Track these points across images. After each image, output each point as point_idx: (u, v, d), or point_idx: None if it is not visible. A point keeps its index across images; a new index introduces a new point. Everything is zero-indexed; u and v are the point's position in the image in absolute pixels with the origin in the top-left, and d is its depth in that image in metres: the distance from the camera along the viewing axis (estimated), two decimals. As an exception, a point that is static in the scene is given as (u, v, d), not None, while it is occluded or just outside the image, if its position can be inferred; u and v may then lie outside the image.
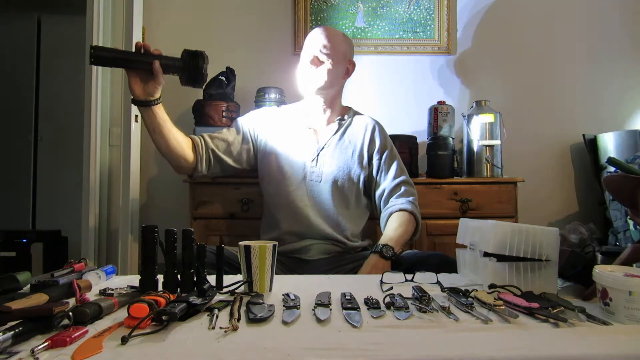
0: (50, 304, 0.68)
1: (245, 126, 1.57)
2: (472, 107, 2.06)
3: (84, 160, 2.03)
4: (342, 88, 1.59)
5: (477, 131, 1.98)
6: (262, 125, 1.57)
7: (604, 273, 0.75)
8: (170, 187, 2.20)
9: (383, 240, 1.39)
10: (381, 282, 0.98)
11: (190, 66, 1.24)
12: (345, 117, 1.57)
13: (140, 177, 2.10)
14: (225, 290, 0.89)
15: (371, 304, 0.79)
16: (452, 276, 1.06)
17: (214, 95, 1.97)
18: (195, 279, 0.90)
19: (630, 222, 1.86)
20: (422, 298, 0.81)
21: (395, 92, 2.32)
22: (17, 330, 0.60)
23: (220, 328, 0.67)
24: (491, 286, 0.88)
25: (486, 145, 1.97)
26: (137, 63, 1.22)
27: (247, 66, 2.23)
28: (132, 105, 1.91)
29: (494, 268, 0.90)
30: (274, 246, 0.94)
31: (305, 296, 0.83)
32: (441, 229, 1.85)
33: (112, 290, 0.89)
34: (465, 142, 2.05)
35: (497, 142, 1.98)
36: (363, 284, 0.97)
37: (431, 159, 1.99)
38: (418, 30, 2.32)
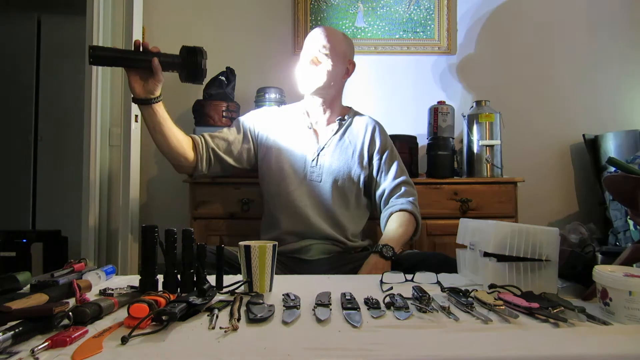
0: (50, 304, 0.68)
1: (246, 126, 1.57)
2: (472, 107, 2.06)
3: (84, 160, 2.03)
4: (342, 88, 1.59)
5: (477, 131, 1.98)
6: (263, 125, 1.57)
7: (604, 273, 0.75)
8: (170, 187, 2.20)
9: (383, 240, 1.39)
10: (381, 282, 0.98)
11: (189, 62, 1.25)
12: (346, 117, 1.57)
13: (140, 177, 2.10)
14: (225, 290, 0.89)
15: (371, 304, 0.79)
16: (452, 276, 1.06)
17: (214, 95, 1.97)
18: (195, 279, 0.90)
19: (630, 222, 1.86)
20: (422, 298, 0.81)
21: (395, 92, 2.32)
22: (17, 330, 0.60)
23: (220, 328, 0.67)
24: (491, 286, 0.88)
25: (486, 145, 1.97)
26: (137, 61, 1.22)
27: (247, 66, 2.23)
28: (132, 105, 1.93)
29: (494, 268, 0.90)
30: (274, 246, 0.94)
31: (305, 296, 0.83)
32: (441, 229, 1.85)
33: (112, 290, 0.89)
34: (465, 142, 2.05)
35: (497, 142, 1.97)
36: (363, 284, 0.97)
37: (431, 159, 1.98)
38: (418, 30, 2.32)
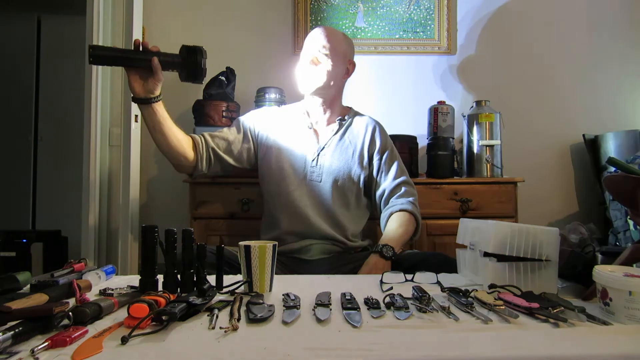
0: (50, 304, 0.68)
1: (246, 125, 1.57)
2: (472, 107, 2.06)
3: (84, 160, 2.03)
4: (342, 88, 1.59)
5: (477, 131, 1.98)
6: (263, 125, 1.57)
7: (604, 273, 0.75)
8: (170, 187, 2.20)
9: (383, 240, 1.39)
10: (381, 282, 0.98)
11: (189, 62, 1.25)
12: (346, 117, 1.57)
13: (140, 177, 2.10)
14: (225, 290, 0.89)
15: (371, 304, 0.79)
16: (452, 276, 1.06)
17: (214, 95, 1.97)
18: (195, 279, 0.90)
19: (630, 222, 1.86)
20: (422, 298, 0.81)
21: (395, 92, 2.32)
22: (17, 330, 0.60)
23: (220, 328, 0.67)
24: (491, 286, 0.88)
25: (486, 145, 1.97)
26: (136, 61, 1.22)
27: (247, 66, 2.23)
28: (132, 105, 1.93)
29: (494, 268, 0.90)
30: (274, 246, 0.94)
31: (305, 296, 0.84)
32: (441, 229, 1.85)
33: (112, 290, 0.89)
34: (465, 142, 2.05)
35: (497, 142, 1.97)
36: (363, 284, 0.97)
37: (431, 159, 1.98)
38: (418, 30, 2.32)
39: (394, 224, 1.44)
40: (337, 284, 0.95)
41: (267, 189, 1.54)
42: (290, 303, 0.78)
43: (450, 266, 1.13)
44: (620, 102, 2.35)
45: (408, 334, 0.66)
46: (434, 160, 1.97)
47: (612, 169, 1.69)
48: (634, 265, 0.87)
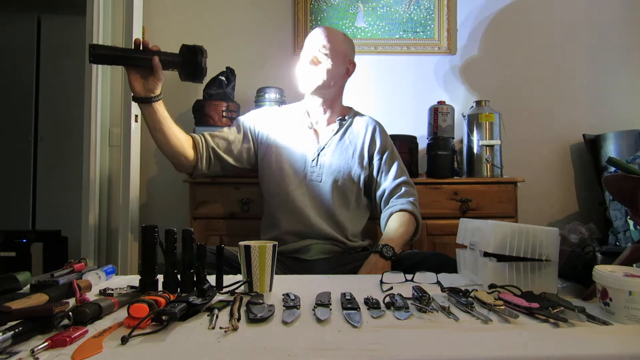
0: (50, 304, 0.68)
1: (246, 125, 1.57)
2: (472, 107, 2.06)
3: (84, 160, 2.03)
4: (342, 88, 1.59)
5: (477, 131, 1.98)
6: (263, 125, 1.57)
7: (604, 273, 0.75)
8: (170, 187, 2.20)
9: (383, 240, 1.39)
10: (381, 282, 0.98)
11: (189, 61, 1.25)
12: (346, 117, 1.57)
13: (140, 177, 2.10)
14: (225, 290, 0.89)
15: (371, 304, 0.79)
16: (452, 276, 1.06)
17: (214, 95, 1.97)
18: (195, 279, 0.90)
19: (630, 222, 1.86)
20: (422, 298, 0.81)
21: (395, 92, 2.32)
22: (17, 330, 0.60)
23: (220, 328, 0.67)
24: (491, 286, 0.88)
25: (486, 145, 1.97)
26: (137, 60, 1.22)
27: (247, 66, 2.23)
28: (132, 105, 1.93)
29: (494, 268, 0.90)
30: (274, 246, 0.94)
31: (305, 296, 0.83)
32: (441, 229, 1.85)
33: (112, 290, 0.89)
34: (465, 142, 2.05)
35: (497, 142, 1.98)
36: (363, 284, 0.97)
37: (431, 159, 1.98)
38: (418, 30, 2.32)
39: (394, 224, 1.44)
40: (337, 284, 0.95)
41: (267, 189, 1.54)
42: (290, 303, 0.78)
43: (450, 266, 1.13)
44: (620, 102, 2.35)
45: (408, 334, 0.66)
46: (434, 160, 1.97)
47: (612, 169, 1.69)
48: (634, 265, 0.87)
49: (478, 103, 2.04)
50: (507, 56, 2.36)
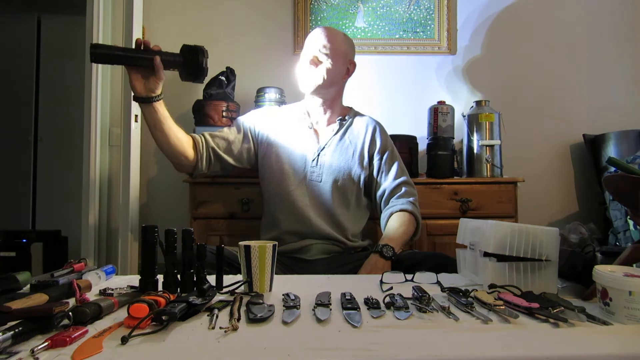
0: (50, 304, 0.68)
1: (246, 125, 1.57)
2: (472, 107, 2.06)
3: (84, 160, 2.03)
4: (342, 88, 1.59)
5: (477, 131, 1.98)
6: (263, 125, 1.57)
7: (604, 273, 0.75)
8: (170, 187, 2.20)
9: (383, 240, 1.39)
10: (381, 282, 0.98)
11: (190, 61, 1.25)
12: (346, 117, 1.57)
13: (140, 177, 2.10)
14: (225, 290, 0.89)
15: (371, 304, 0.78)
16: (452, 276, 1.06)
17: (214, 95, 1.97)
18: (195, 279, 0.90)
19: (630, 222, 1.86)
20: (422, 298, 0.81)
21: (396, 92, 2.32)
22: (17, 330, 0.60)
23: (220, 328, 0.67)
24: (491, 286, 0.88)
25: (486, 145, 1.97)
26: (138, 60, 1.22)
27: (247, 66, 2.23)
28: (132, 105, 1.93)
29: (494, 268, 0.90)
30: (274, 246, 0.94)
31: (305, 296, 0.83)
32: (441, 229, 1.85)
33: (112, 290, 0.89)
34: (465, 142, 2.05)
35: (497, 142, 1.98)
36: (363, 284, 0.97)
37: (431, 159, 1.98)
38: (418, 30, 2.32)
39: (394, 224, 1.44)
40: (337, 284, 0.95)
41: (267, 189, 1.54)
42: (290, 303, 0.78)
43: (450, 266, 1.13)
44: (620, 102, 2.35)
45: (408, 334, 0.66)
46: (434, 160, 1.97)
47: (612, 169, 1.69)
48: (634, 265, 0.87)
49: (478, 103, 2.04)
50: (507, 56, 2.36)
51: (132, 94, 1.29)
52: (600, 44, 2.37)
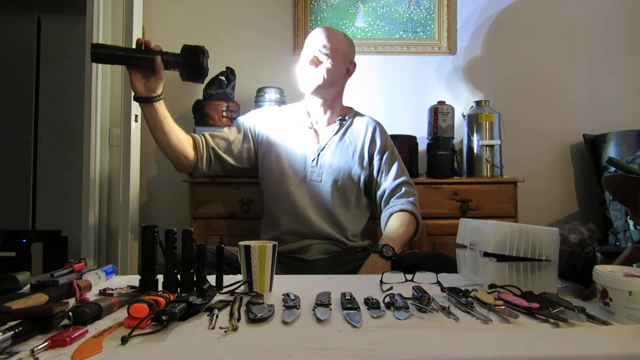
0: (50, 304, 0.68)
1: (246, 125, 1.57)
2: (472, 107, 2.06)
3: (84, 160, 2.03)
4: (342, 88, 1.59)
5: (477, 131, 1.98)
6: (263, 125, 1.57)
7: (604, 273, 0.75)
8: (170, 187, 2.20)
9: (383, 240, 1.39)
10: (381, 282, 0.98)
11: (191, 61, 1.25)
12: (346, 117, 1.57)
13: (140, 177, 2.10)
14: (225, 290, 0.89)
15: (371, 304, 0.78)
16: (452, 276, 1.06)
17: (213, 95, 1.97)
18: (195, 279, 0.90)
19: (630, 222, 1.86)
20: (422, 298, 0.81)
21: (396, 92, 2.32)
22: (17, 330, 0.60)
23: (220, 328, 0.67)
24: (491, 286, 0.88)
25: (486, 145, 1.97)
26: (139, 59, 1.22)
27: (247, 66, 2.23)
28: (132, 105, 1.93)
29: (494, 268, 0.90)
30: (274, 246, 0.94)
31: (305, 296, 0.83)
32: (441, 229, 1.85)
33: (112, 290, 0.89)
34: (465, 142, 2.05)
35: (497, 142, 1.98)
36: (363, 284, 0.97)
37: (431, 159, 1.98)
38: (418, 30, 2.32)
39: (394, 224, 1.44)
40: (337, 284, 0.95)
41: (267, 189, 1.54)
42: (290, 303, 0.78)
43: (450, 266, 1.13)
44: (620, 102, 2.36)
45: (408, 334, 0.66)
46: (434, 160, 1.97)
47: (612, 169, 1.69)
48: (634, 265, 0.87)
49: (478, 103, 2.04)
50: (507, 56, 2.36)
51: (133, 93, 1.29)
52: (600, 44, 2.37)
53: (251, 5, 2.30)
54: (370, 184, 1.54)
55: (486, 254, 0.92)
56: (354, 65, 1.57)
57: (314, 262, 1.43)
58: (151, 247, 0.88)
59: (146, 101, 1.28)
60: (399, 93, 2.32)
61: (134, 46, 1.24)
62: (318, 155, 1.50)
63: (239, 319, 0.71)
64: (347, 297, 0.82)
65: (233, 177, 1.74)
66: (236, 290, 0.89)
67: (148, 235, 0.88)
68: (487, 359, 0.59)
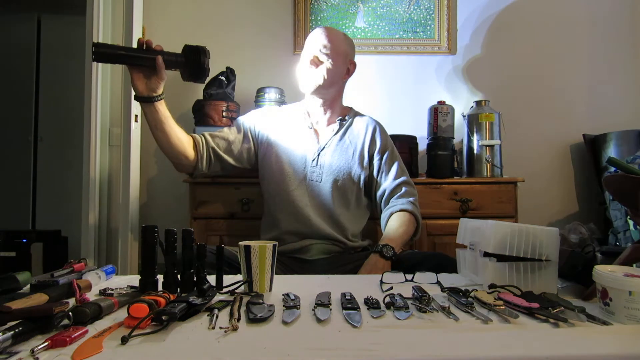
0: (50, 304, 0.68)
1: (246, 125, 1.57)
2: (472, 107, 2.06)
3: (84, 160, 2.03)
4: (342, 88, 1.59)
5: (477, 131, 1.98)
6: (263, 125, 1.57)
7: (604, 273, 0.75)
8: (170, 187, 2.20)
9: (383, 240, 1.39)
10: (381, 282, 0.98)
11: (192, 61, 1.25)
12: (346, 117, 1.57)
13: (140, 177, 2.10)
14: (225, 290, 0.89)
15: (371, 304, 0.78)
16: (452, 276, 1.06)
17: (214, 95, 1.97)
18: (195, 279, 0.90)
19: (630, 222, 1.86)
20: (422, 298, 0.81)
21: (396, 92, 2.32)
22: (17, 330, 0.60)
23: (220, 328, 0.67)
24: (491, 286, 0.88)
25: (486, 145, 1.97)
26: (140, 59, 1.22)
27: (247, 66, 2.23)
28: (132, 105, 1.93)
29: (494, 268, 0.90)
30: (274, 246, 0.94)
31: (305, 296, 0.83)
32: (441, 229, 1.85)
33: (112, 290, 0.89)
34: (465, 142, 2.05)
35: (497, 142, 1.98)
36: (363, 284, 0.97)
37: (431, 159, 1.98)
38: (418, 30, 2.32)
39: (394, 224, 1.44)
40: (337, 284, 0.95)
41: (267, 189, 1.54)
42: (290, 303, 0.78)
43: (450, 266, 1.13)
44: (620, 102, 2.35)
45: (408, 334, 0.66)
46: (434, 160, 1.97)
47: (612, 169, 1.69)
48: (634, 265, 0.87)
49: (478, 103, 2.04)
50: (507, 56, 2.35)
51: (133, 93, 1.29)
52: (600, 44, 2.37)
53: (251, 5, 2.30)
54: (370, 184, 1.54)
55: (486, 254, 0.92)
56: (354, 65, 1.57)
57: (314, 262, 1.43)
58: (151, 247, 0.88)
59: (147, 101, 1.28)
60: (399, 93, 2.32)
61: (135, 46, 1.24)
62: (318, 155, 1.50)
63: (239, 319, 0.71)
64: (347, 297, 0.82)
65: (233, 177, 1.74)
66: (236, 290, 0.89)
67: (148, 235, 0.88)
68: (487, 359, 0.59)
